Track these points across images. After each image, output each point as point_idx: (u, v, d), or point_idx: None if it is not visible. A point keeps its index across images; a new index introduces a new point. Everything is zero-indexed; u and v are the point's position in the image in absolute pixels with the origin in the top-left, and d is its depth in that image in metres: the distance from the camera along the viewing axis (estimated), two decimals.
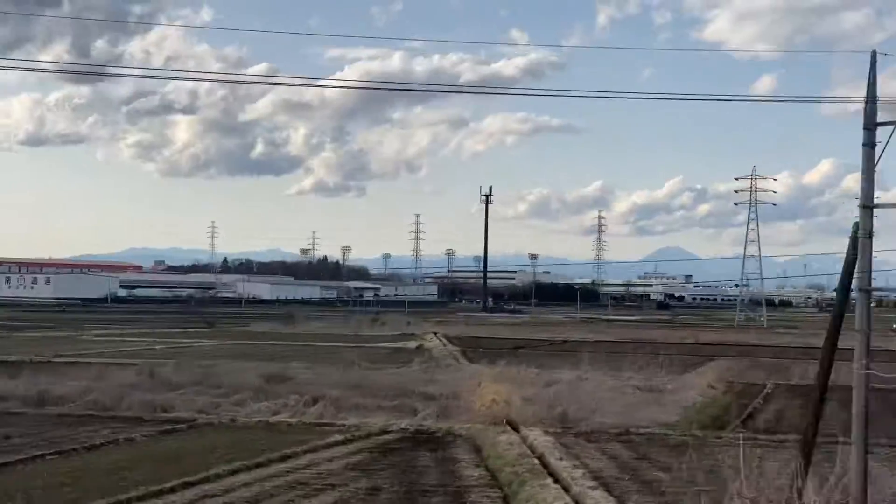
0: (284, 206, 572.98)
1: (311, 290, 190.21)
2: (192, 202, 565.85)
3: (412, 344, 57.16)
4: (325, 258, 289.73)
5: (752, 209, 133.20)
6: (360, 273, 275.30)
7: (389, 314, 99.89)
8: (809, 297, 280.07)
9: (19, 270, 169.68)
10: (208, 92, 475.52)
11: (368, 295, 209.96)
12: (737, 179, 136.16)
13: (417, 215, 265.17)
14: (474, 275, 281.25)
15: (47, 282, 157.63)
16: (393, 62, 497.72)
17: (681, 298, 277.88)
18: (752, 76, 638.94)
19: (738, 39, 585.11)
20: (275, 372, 31.86)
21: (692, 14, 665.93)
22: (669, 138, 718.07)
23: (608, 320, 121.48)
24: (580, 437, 21.55)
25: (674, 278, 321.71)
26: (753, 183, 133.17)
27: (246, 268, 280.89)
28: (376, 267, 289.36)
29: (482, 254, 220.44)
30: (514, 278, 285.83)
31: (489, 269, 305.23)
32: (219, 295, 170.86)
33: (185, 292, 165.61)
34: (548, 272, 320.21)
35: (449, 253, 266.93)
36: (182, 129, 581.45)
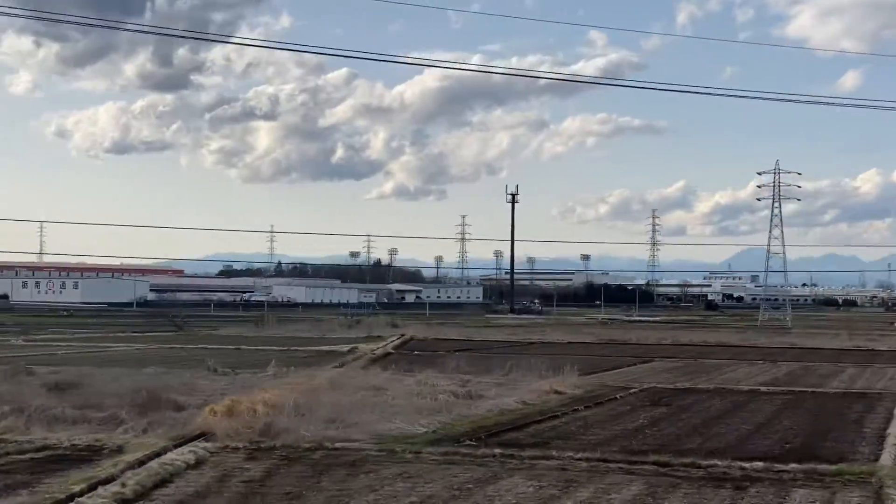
0: (364, 210, 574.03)
1: (348, 293, 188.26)
2: (273, 207, 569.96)
3: (345, 348, 54.29)
4: (379, 261, 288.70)
5: (776, 205, 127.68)
6: (412, 275, 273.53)
7: (383, 316, 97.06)
8: (875, 297, 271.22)
9: (49, 276, 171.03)
10: (289, 98, 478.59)
11: (410, 297, 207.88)
12: (759, 174, 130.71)
13: (463, 216, 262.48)
14: (527, 276, 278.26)
15: (75, 286, 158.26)
16: (471, 65, 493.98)
17: (740, 299, 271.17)
18: (837, 73, 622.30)
19: (822, 35, 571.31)
20: (70, 379, 29.32)
21: (775, 11, 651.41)
22: (752, 137, 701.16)
23: (630, 321, 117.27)
24: (259, 452, 18.64)
25: (739, 278, 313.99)
26: (777, 178, 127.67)
27: (300, 271, 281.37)
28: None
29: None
30: (570, 280, 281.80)
31: (544, 270, 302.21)
32: (252, 299, 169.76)
33: (215, 296, 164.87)
34: (606, 272, 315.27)
35: (497, 255, 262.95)
36: (263, 135, 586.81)
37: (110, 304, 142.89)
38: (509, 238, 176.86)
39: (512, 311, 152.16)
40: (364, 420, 22.40)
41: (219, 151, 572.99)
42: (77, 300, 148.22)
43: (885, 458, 18.91)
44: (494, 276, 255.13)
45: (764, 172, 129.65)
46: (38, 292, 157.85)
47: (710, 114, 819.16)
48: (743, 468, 17.44)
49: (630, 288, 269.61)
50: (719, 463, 17.80)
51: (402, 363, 42.21)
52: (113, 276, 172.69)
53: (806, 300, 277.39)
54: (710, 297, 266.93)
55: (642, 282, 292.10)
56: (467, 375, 33.74)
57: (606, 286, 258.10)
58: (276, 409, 22.77)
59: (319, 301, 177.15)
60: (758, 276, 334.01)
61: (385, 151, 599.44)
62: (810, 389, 34.04)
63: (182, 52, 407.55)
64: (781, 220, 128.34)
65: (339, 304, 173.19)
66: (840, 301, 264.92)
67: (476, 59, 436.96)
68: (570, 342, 67.18)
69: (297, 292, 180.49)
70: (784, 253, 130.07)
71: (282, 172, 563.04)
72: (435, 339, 67.47)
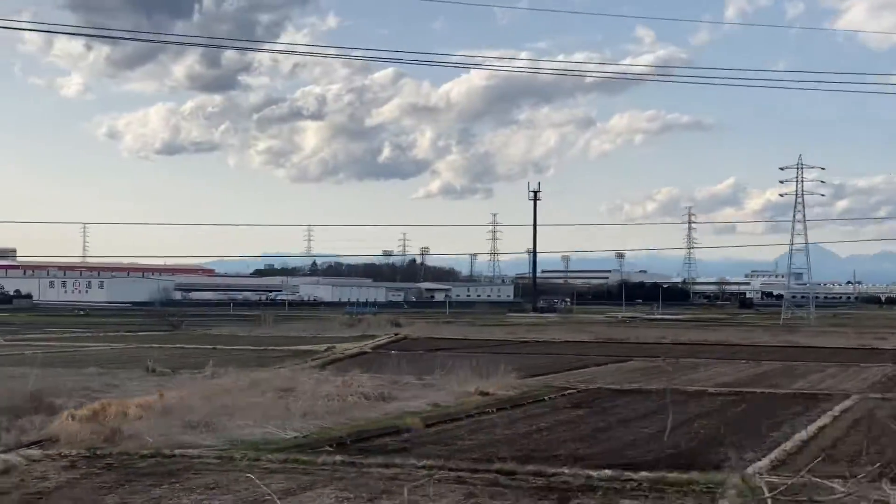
0: (410, 209, 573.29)
1: (375, 292, 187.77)
2: (321, 206, 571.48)
3: (322, 347, 53.32)
4: (414, 260, 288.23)
5: (799, 201, 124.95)
6: (446, 274, 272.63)
7: (387, 315, 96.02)
8: None
9: (80, 275, 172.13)
10: (335, 97, 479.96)
11: (440, 296, 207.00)
12: (782, 169, 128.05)
13: (494, 215, 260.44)
14: (561, 275, 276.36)
15: (101, 286, 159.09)
16: (518, 63, 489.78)
17: (780, 297, 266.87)
18: (891, 66, 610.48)
19: (875, 28, 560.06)
20: None
21: (826, 5, 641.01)
22: (804, 133, 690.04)
23: (651, 319, 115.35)
24: (86, 460, 17.59)
25: (781, 276, 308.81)
26: (800, 174, 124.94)
27: (335, 270, 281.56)
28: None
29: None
30: (606, 278, 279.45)
31: (579, 269, 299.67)
32: (278, 298, 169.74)
33: (240, 295, 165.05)
34: (644, 271, 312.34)
35: (529, 253, 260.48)
36: (310, 135, 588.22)
37: (134, 304, 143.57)
38: (537, 236, 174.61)
39: (534, 309, 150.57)
40: (235, 424, 21.27)
41: (266, 151, 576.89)
42: (102, 300, 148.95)
43: (759, 465, 17.45)
44: (527, 275, 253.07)
45: (787, 168, 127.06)
46: (65, 292, 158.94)
47: (759, 110, 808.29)
48: (589, 476, 16.08)
49: (666, 286, 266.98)
50: (566, 471, 16.45)
51: (365, 364, 41.08)
52: (143, 276, 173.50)
53: (849, 298, 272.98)
54: (747, 295, 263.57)
55: (681, 280, 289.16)
56: (406, 376, 32.63)
57: (641, 284, 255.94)
58: (148, 412, 21.78)
59: (346, 300, 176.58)
60: (801, 273, 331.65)
61: (431, 150, 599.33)
62: (764, 391, 32.43)
63: (230, 53, 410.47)
64: (805, 216, 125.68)
65: (365, 303, 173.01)
66: (883, 299, 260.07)
67: (523, 57, 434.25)
68: (565, 341, 65.90)
69: (324, 291, 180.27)
70: (807, 250, 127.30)
71: (329, 172, 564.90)
72: (428, 339, 66.43)
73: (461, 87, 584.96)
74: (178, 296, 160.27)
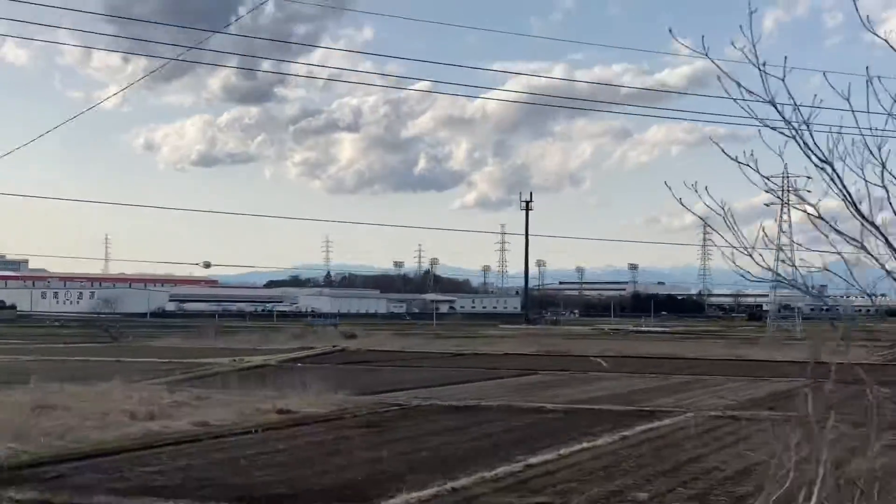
0: (446, 220, 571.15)
1: (377, 304, 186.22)
2: (357, 218, 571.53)
3: (225, 360, 51.45)
4: (428, 271, 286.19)
5: (785, 210, 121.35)
6: (459, 285, 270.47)
7: (345, 327, 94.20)
8: None
9: (65, 285, 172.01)
10: (371, 109, 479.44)
11: (444, 308, 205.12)
12: (767, 179, 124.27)
13: (503, 225, 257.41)
14: (572, 287, 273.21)
15: (91, 296, 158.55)
16: (554, 74, 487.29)
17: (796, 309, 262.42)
18: None
19: None
20: None
21: (865, 15, 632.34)
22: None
23: (638, 331, 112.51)
24: None
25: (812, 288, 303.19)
26: (785, 182, 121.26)
27: (349, 281, 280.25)
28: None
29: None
30: (623, 290, 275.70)
31: (596, 281, 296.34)
32: (276, 309, 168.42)
33: (235, 306, 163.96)
34: (662, 283, 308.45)
35: (540, 264, 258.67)
36: (346, 147, 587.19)
37: (125, 315, 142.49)
38: (529, 246, 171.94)
39: (526, 321, 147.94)
40: None
41: (303, 163, 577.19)
42: (92, 310, 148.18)
43: (422, 495, 15.25)
44: (538, 287, 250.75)
45: (772, 177, 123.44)
46: (57, 302, 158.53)
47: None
48: None
49: (681, 298, 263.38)
50: None
51: (245, 379, 38.78)
52: (146, 287, 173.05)
53: (868, 311, 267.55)
54: (764, 307, 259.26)
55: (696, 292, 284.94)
56: (239, 392, 30.60)
57: (655, 296, 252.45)
58: None
59: (346, 311, 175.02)
60: (825, 285, 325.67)
61: (467, 162, 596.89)
62: (605, 407, 30.11)
63: (266, 65, 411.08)
64: (791, 227, 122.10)
65: (366, 315, 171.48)
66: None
67: (559, 69, 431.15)
68: (507, 353, 63.67)
69: (324, 303, 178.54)
70: (793, 260, 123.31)
71: (365, 183, 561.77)
72: (367, 351, 64.80)
73: (498, 96, 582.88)
74: (172, 307, 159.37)
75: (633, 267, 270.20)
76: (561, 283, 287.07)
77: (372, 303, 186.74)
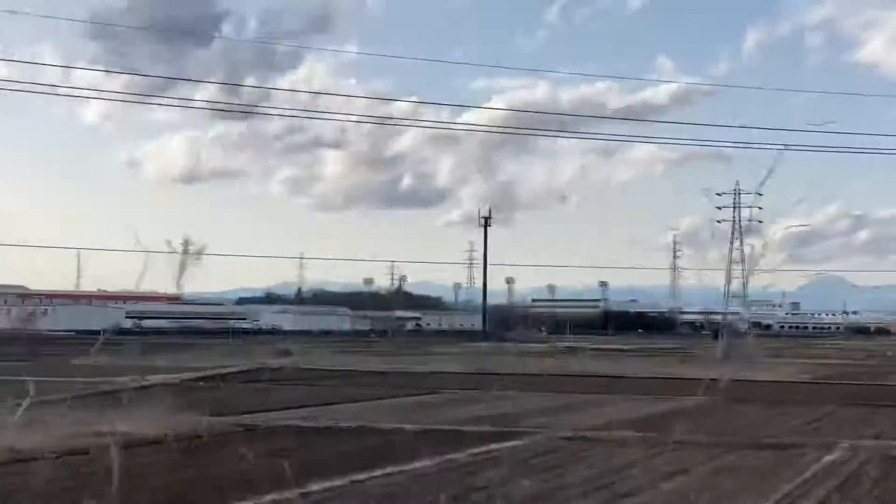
0: (430, 238, 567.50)
1: (339, 321, 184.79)
2: (341, 235, 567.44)
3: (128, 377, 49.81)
4: (399, 288, 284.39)
5: (737, 228, 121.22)
6: (432, 302, 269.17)
7: (285, 344, 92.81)
8: None
9: (23, 303, 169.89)
10: (356, 126, 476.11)
11: (410, 325, 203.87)
12: (719, 195, 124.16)
13: (471, 242, 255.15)
14: (543, 305, 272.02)
15: (44, 314, 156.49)
16: (538, 92, 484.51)
17: (767, 327, 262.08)
18: None
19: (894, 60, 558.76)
20: None
21: (846, 36, 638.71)
22: (825, 162, 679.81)
23: (593, 349, 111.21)
24: None
25: (777, 305, 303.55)
26: (737, 199, 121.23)
27: (320, 299, 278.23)
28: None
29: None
30: (597, 307, 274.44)
31: (568, 298, 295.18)
32: (237, 327, 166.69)
33: (194, 323, 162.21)
34: (635, 300, 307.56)
35: (509, 281, 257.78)
36: (331, 164, 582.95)
37: (79, 332, 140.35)
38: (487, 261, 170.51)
39: (485, 338, 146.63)
40: None
41: (287, 180, 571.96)
42: (48, 327, 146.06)
43: None
44: (505, 304, 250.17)
45: (724, 193, 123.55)
46: (9, 320, 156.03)
47: (780, 140, 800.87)
48: None
49: (651, 315, 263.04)
50: None
51: (113, 401, 37.38)
52: (105, 304, 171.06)
53: (837, 328, 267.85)
54: (737, 325, 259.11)
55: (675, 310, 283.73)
56: (85, 415, 29.05)
57: (626, 313, 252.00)
58: None
59: (309, 329, 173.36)
60: (798, 303, 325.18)
61: (452, 179, 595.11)
62: (465, 429, 28.72)
63: (250, 82, 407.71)
64: (742, 244, 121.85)
65: (327, 332, 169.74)
66: (871, 329, 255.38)
67: (544, 85, 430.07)
68: (432, 372, 62.13)
69: (286, 320, 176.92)
70: (745, 279, 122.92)
71: (350, 201, 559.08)
72: (293, 368, 62.99)
73: (481, 116, 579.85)
74: (129, 324, 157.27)
75: (604, 284, 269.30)
76: (533, 300, 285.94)
77: (334, 320, 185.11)
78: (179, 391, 41.77)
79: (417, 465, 20.92)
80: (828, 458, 22.86)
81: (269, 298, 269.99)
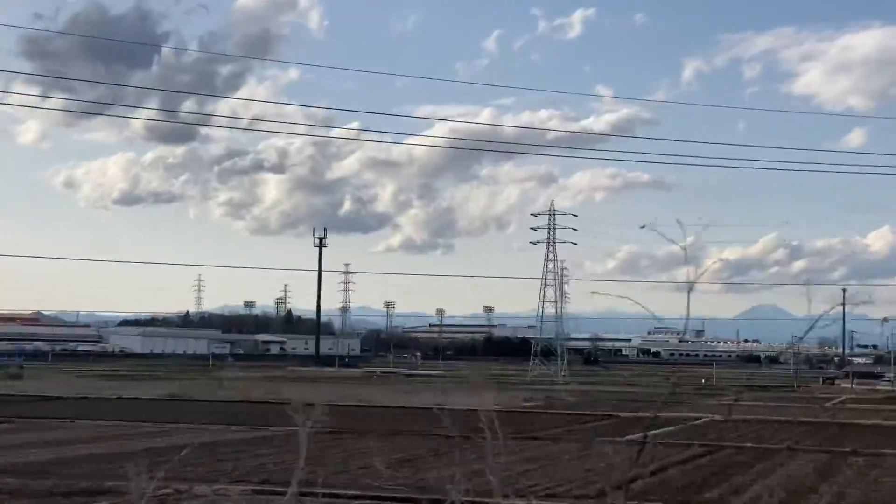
0: (370, 264, 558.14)
1: (196, 343, 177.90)
2: (281, 259, 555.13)
3: None
4: (290, 312, 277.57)
5: (550, 248, 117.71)
6: (318, 326, 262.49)
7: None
8: (799, 354, 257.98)
9: None
10: (297, 151, 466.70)
11: (275, 349, 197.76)
12: (534, 216, 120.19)
13: (347, 264, 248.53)
14: (428, 330, 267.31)
15: None
16: (481, 118, 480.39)
17: (657, 354, 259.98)
18: (845, 129, 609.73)
19: (831, 93, 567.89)
20: None
21: (784, 67, 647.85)
22: (763, 192, 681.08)
23: (409, 375, 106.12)
24: None
25: (678, 333, 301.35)
26: (552, 220, 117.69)
27: (207, 322, 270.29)
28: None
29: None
30: (488, 333, 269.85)
31: (461, 324, 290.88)
32: (79, 349, 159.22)
33: (31, 345, 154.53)
34: (532, 327, 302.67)
35: (388, 305, 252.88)
36: (271, 188, 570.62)
37: None
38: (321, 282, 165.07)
39: (316, 362, 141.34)
40: None
41: (227, 203, 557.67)
42: None
43: None
44: (381, 328, 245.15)
45: (539, 214, 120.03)
46: None
47: (719, 170, 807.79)
48: None
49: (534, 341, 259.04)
50: None
51: None
52: None
53: (729, 355, 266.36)
54: (623, 352, 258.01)
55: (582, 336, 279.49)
56: None
57: (507, 339, 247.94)
58: None
59: (159, 352, 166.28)
60: (702, 331, 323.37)
61: (393, 205, 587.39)
62: None
63: (190, 105, 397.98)
64: (557, 264, 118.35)
65: (180, 355, 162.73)
66: (762, 357, 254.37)
67: (487, 113, 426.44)
68: (208, 400, 54.41)
69: (133, 342, 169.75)
70: (560, 300, 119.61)
71: (290, 225, 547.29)
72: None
73: (423, 142, 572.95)
74: None
75: (489, 309, 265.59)
76: (431, 325, 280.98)
77: (191, 343, 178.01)
78: None
79: None
80: None
81: (153, 322, 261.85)
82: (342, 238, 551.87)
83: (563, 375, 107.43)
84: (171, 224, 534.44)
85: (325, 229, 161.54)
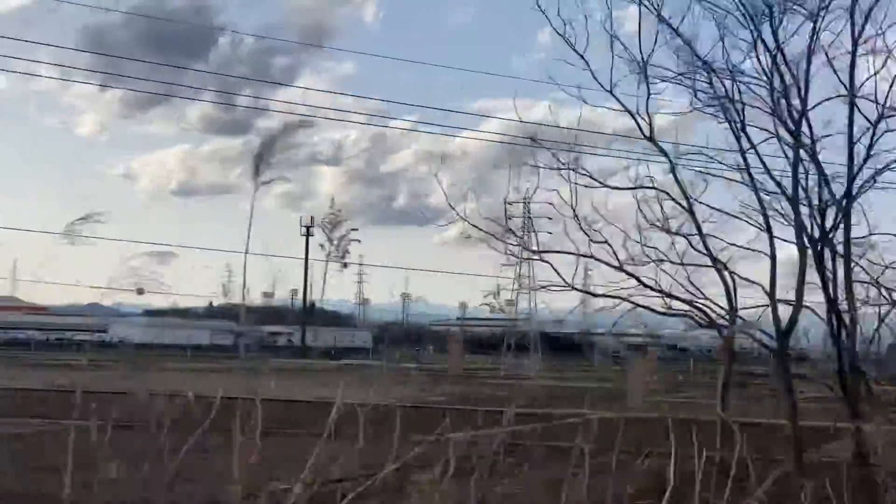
0: (426, 255, 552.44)
1: (199, 334, 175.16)
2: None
3: None
4: (313, 304, 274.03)
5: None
6: (344, 319, 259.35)
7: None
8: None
9: None
10: (353, 143, 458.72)
11: (282, 340, 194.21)
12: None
13: (361, 255, 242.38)
14: (451, 324, 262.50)
15: None
16: (537, 112, 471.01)
17: (684, 350, 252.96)
18: None
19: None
20: None
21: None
22: None
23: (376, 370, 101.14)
24: None
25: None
26: (528, 225, 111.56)
27: (218, 312, 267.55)
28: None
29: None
30: (510, 328, 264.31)
31: (489, 317, 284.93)
32: (75, 338, 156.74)
33: (26, 334, 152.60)
34: (561, 321, 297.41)
35: (405, 297, 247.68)
36: (327, 180, 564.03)
37: None
38: (308, 272, 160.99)
39: (303, 354, 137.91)
40: None
41: (283, 196, 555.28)
42: None
43: None
44: (398, 321, 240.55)
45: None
46: None
47: None
48: None
49: (553, 336, 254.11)
50: None
51: None
52: None
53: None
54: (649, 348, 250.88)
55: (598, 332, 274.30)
56: None
57: (523, 334, 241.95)
58: None
59: (161, 342, 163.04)
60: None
61: (449, 198, 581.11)
62: None
63: (244, 99, 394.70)
64: (523, 263, 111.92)
65: (183, 346, 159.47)
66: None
67: (542, 106, 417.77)
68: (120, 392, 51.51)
69: (135, 332, 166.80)
70: (532, 296, 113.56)
71: (346, 217, 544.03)
72: None
73: (478, 134, 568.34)
74: None
75: (464, 305, 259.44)
76: (458, 318, 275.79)
77: (194, 333, 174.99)
78: None
79: None
80: None
81: (177, 311, 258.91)
82: (397, 230, 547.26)
83: (539, 370, 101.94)
84: (223, 215, 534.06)
85: (311, 218, 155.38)
